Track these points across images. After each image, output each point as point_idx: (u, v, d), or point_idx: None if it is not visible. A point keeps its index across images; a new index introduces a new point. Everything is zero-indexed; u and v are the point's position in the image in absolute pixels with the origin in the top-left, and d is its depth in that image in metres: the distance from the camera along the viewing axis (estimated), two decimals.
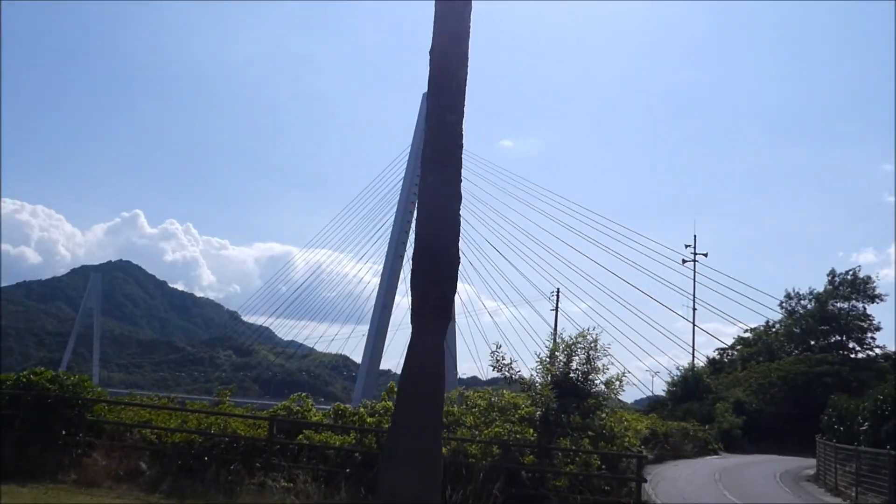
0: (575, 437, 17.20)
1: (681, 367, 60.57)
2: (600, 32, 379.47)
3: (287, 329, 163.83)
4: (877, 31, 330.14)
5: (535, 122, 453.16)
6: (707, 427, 46.65)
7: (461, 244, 10.91)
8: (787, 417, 50.43)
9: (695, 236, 72.03)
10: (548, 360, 20.49)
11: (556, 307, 66.87)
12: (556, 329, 66.18)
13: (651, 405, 61.33)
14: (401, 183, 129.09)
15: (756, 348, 67.67)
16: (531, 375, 20.54)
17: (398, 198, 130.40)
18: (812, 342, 64.37)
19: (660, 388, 62.55)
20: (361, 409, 17.07)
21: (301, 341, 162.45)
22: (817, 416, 33.92)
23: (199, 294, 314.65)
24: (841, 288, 63.19)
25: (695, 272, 70.39)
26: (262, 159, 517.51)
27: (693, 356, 64.60)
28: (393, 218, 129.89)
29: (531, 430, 16.90)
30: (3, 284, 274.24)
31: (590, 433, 18.26)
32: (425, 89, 11.73)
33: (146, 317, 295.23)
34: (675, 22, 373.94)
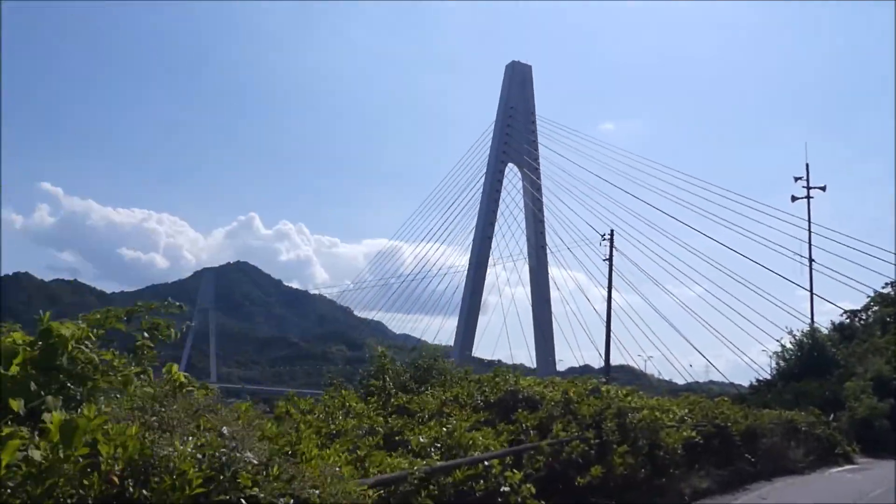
0: None
1: (795, 334, 41.96)
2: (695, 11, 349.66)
3: (398, 322, 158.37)
4: None
5: (636, 105, 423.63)
6: (833, 417, 28.88)
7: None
8: None
9: (807, 165, 51.55)
10: None
11: (611, 254, 49.94)
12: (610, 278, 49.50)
13: (753, 389, 42.93)
14: (486, 161, 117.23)
15: None
16: None
17: (483, 177, 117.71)
18: None
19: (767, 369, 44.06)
20: None
21: (416, 335, 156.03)
22: None
23: (312, 291, 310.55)
24: None
25: (809, 210, 51.38)
26: (365, 160, 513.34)
27: (812, 319, 46.04)
28: (479, 198, 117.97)
29: None
30: (135, 289, 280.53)
31: None
32: None
33: (263, 314, 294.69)
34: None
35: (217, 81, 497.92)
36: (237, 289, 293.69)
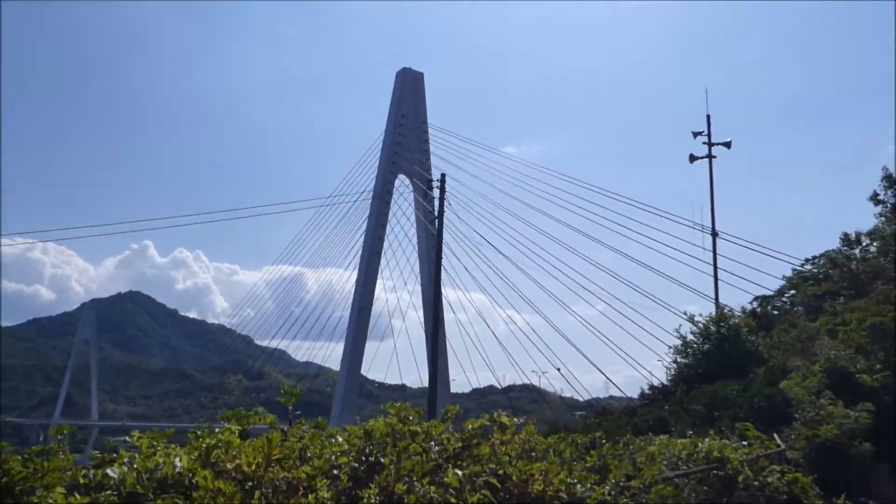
0: None
1: (700, 321, 28.57)
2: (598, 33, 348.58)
3: (303, 351, 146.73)
4: None
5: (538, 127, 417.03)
6: (781, 438, 15.29)
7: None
8: None
9: (708, 116, 39.12)
10: None
11: (441, 200, 36.17)
12: None
13: (645, 400, 29.08)
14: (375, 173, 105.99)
15: (827, 287, 36.00)
16: None
17: (372, 189, 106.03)
18: None
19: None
20: None
21: (318, 362, 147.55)
22: None
23: (211, 321, 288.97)
24: None
25: (711, 171, 38.96)
26: (264, 183, 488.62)
27: (717, 298, 33.33)
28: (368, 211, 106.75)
29: None
30: (14, 323, 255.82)
31: None
32: None
33: (157, 346, 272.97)
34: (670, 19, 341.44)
35: (109, 102, 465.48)
36: (129, 320, 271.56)
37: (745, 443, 11.46)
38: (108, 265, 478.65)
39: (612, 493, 6.22)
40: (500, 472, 4.63)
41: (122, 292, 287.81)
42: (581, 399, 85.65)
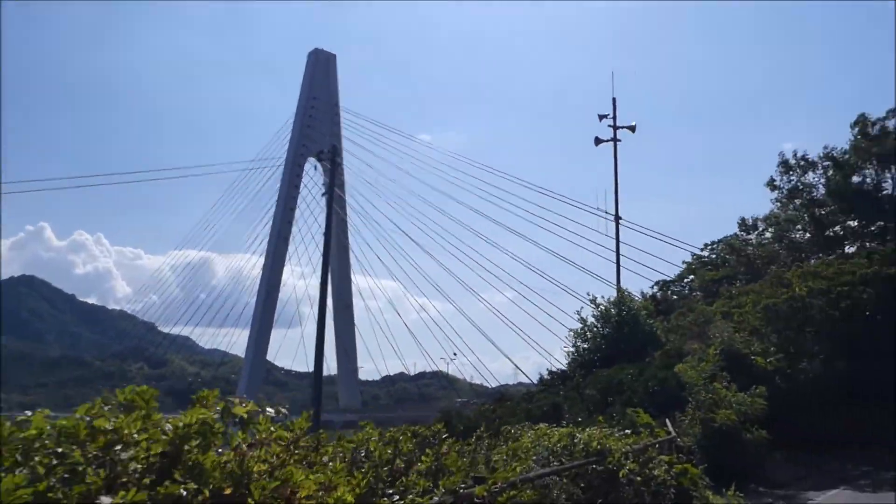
0: None
1: (601, 304, 27.56)
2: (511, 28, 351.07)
3: (209, 337, 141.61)
4: None
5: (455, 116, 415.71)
6: (674, 424, 14.28)
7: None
8: (847, 384, 18.74)
9: (614, 100, 38.39)
10: None
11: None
12: None
13: (543, 385, 27.98)
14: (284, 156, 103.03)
15: (724, 272, 36.03)
16: None
17: (281, 173, 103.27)
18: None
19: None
20: None
21: (224, 349, 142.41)
22: None
23: (112, 307, 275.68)
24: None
25: (616, 154, 38.38)
26: (167, 162, 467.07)
27: (618, 281, 32.73)
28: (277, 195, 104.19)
29: None
30: None
31: None
32: None
33: (54, 332, 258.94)
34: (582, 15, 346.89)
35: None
36: (23, 305, 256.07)
37: (627, 431, 10.15)
38: (2, 247, 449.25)
39: None
40: (230, 490, 2.94)
41: (16, 276, 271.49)
42: (490, 386, 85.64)
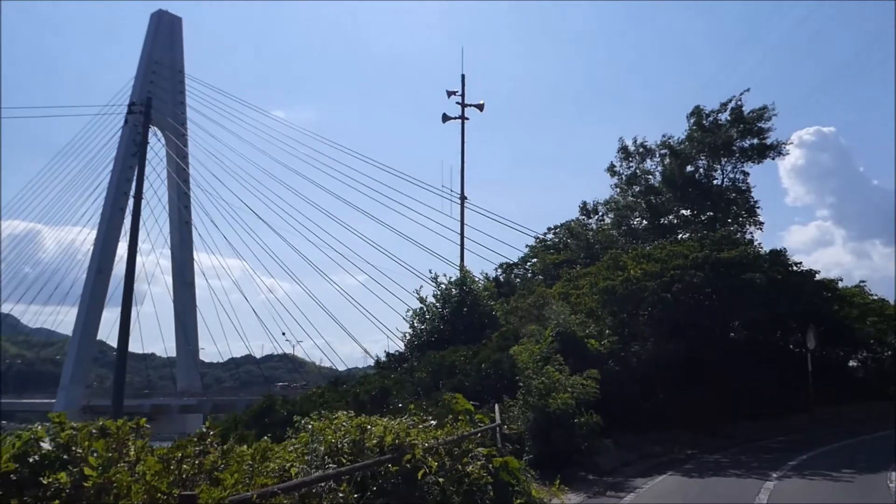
0: None
1: (442, 283, 26.30)
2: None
3: (34, 315, 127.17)
4: None
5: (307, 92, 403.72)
6: (505, 409, 13.09)
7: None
8: (677, 367, 18.54)
9: (462, 76, 37.26)
10: None
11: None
12: None
13: (379, 368, 26.39)
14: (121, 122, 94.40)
15: (565, 255, 36.09)
16: None
17: (119, 136, 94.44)
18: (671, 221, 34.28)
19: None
20: None
21: (52, 328, 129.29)
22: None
23: None
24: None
25: (463, 132, 37.33)
26: None
27: (462, 261, 31.69)
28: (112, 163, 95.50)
29: None
30: None
31: None
32: None
33: None
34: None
35: None
36: None
37: (433, 423, 8.65)
38: None
39: None
40: None
41: None
42: (338, 369, 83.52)
